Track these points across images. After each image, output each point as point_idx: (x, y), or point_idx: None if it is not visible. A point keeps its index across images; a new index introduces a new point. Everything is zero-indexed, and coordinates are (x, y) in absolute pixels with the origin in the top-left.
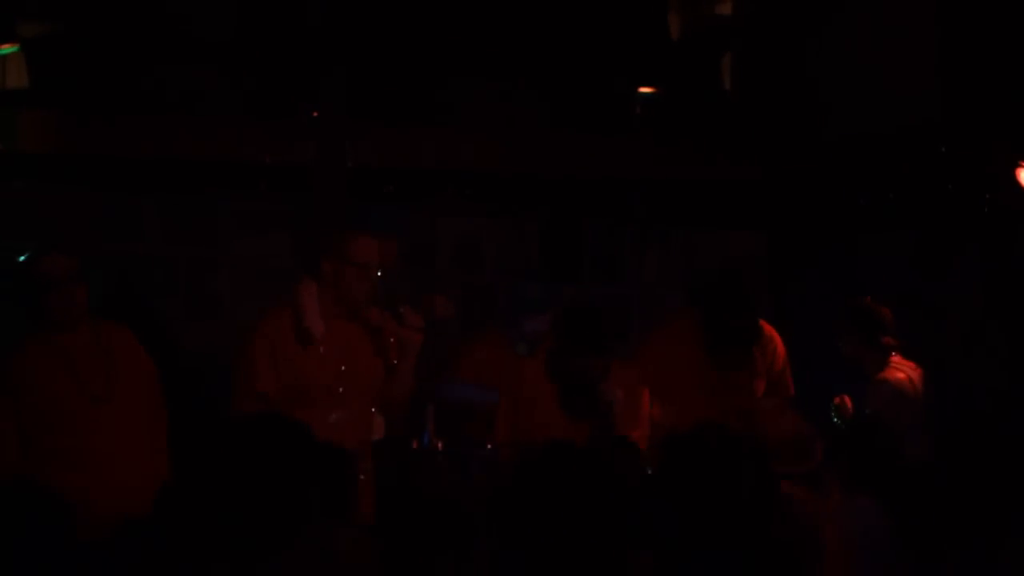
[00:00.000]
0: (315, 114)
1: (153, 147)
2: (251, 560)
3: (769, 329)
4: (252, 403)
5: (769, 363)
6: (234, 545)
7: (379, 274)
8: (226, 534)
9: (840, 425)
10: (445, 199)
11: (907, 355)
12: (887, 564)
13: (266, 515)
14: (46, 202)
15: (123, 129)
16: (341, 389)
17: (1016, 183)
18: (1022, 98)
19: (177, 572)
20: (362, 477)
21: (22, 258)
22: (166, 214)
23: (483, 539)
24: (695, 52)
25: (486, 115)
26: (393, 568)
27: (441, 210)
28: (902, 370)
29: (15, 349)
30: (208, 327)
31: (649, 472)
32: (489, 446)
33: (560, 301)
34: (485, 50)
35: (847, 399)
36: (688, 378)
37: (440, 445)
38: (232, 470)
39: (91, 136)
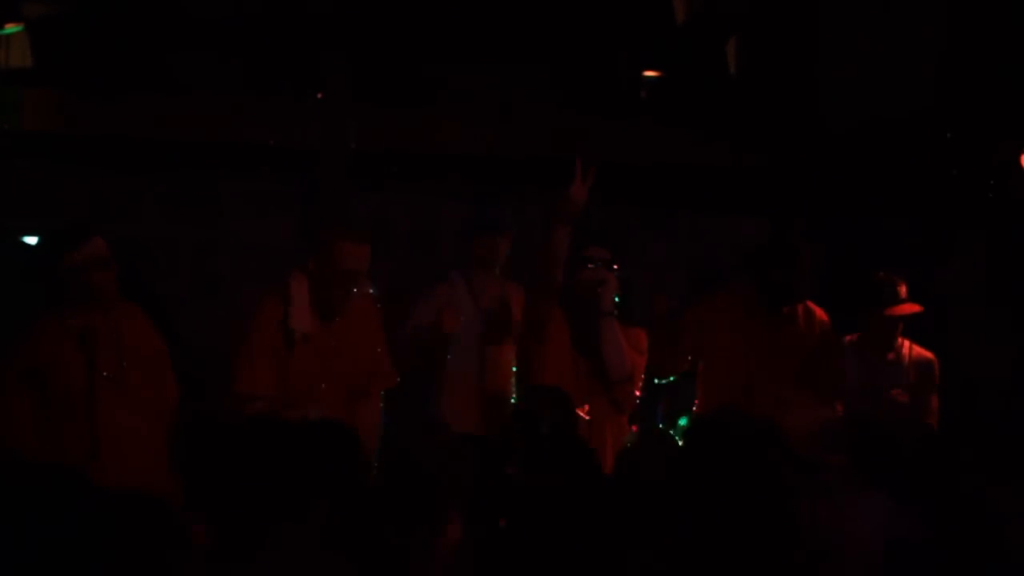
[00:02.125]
0: (319, 96)
1: (156, 128)
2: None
3: (821, 314)
4: (253, 406)
5: (811, 345)
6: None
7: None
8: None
9: None
10: (449, 183)
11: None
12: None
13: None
14: (49, 181)
15: (126, 109)
16: (323, 385)
17: (1021, 169)
18: None
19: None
20: None
21: (38, 238)
22: (168, 195)
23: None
24: (700, 37)
25: (491, 99)
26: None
27: (445, 194)
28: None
29: (30, 331)
30: (210, 308)
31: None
32: None
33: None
34: (491, 33)
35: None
36: (732, 341)
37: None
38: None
39: (94, 116)
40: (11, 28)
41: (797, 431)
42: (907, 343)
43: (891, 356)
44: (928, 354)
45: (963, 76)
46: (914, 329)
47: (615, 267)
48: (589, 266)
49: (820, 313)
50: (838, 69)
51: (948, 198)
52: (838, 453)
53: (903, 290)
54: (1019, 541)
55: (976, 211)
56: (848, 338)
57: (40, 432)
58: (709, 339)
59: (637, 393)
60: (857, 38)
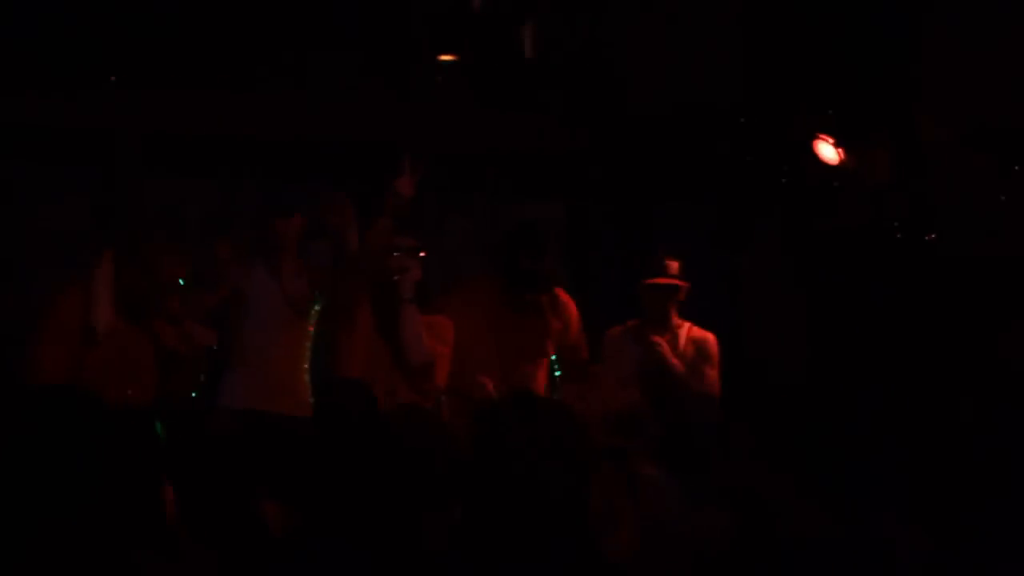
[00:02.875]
0: (112, 79)
1: None
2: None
3: (566, 297)
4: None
5: (562, 328)
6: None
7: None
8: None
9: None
10: (245, 167)
11: (705, 326)
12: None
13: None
14: None
15: None
16: (130, 392)
17: (814, 155)
18: (821, 73)
19: None
20: None
21: None
22: None
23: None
24: (497, 21)
25: (289, 83)
26: None
27: (240, 179)
28: None
29: None
30: (1, 294)
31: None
32: None
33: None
34: (290, 18)
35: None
36: (482, 330)
37: None
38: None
39: None
40: None
41: (592, 416)
42: (687, 325)
43: (667, 336)
44: (707, 334)
45: (761, 67)
46: (709, 314)
47: (421, 255)
48: (396, 254)
49: (566, 298)
50: (638, 59)
51: (743, 183)
52: (636, 438)
53: (673, 267)
54: (796, 529)
55: (771, 195)
56: (629, 323)
57: None
58: (464, 325)
59: (440, 384)
60: (658, 29)
